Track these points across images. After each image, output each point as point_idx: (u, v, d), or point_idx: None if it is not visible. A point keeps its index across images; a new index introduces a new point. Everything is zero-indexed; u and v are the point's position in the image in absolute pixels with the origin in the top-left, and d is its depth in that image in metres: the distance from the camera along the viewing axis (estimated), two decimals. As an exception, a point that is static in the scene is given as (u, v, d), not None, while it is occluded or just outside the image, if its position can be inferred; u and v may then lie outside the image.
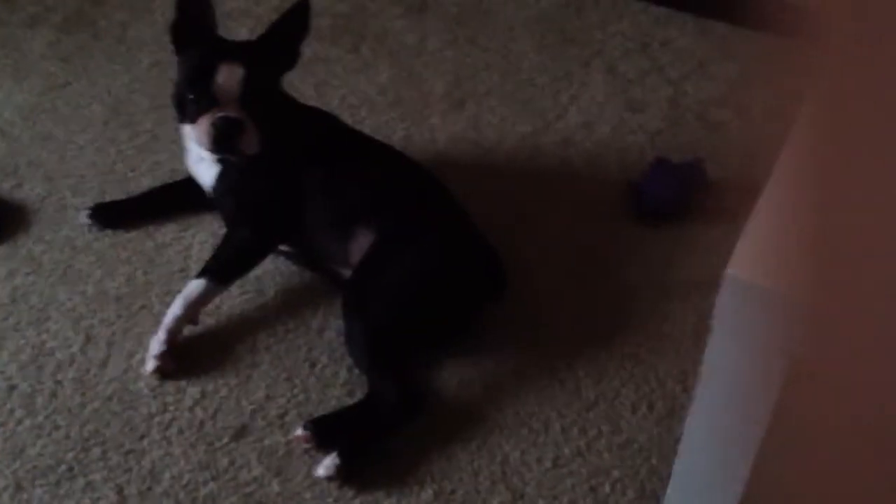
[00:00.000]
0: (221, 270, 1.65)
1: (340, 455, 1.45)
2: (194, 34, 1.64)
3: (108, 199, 1.85)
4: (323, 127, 1.76)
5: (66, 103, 2.04)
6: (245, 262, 1.68)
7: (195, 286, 1.62)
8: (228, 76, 1.59)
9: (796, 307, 0.91)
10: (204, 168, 1.70)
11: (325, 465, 1.45)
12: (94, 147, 1.95)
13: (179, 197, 1.83)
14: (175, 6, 1.64)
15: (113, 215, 1.81)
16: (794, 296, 0.90)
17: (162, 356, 1.57)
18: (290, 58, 1.69)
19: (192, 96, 1.61)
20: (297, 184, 1.67)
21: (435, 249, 1.61)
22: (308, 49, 2.16)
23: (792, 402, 1.01)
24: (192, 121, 1.62)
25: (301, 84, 2.08)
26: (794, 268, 0.87)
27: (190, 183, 1.80)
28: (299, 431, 1.49)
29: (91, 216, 1.79)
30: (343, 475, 1.45)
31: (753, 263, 0.97)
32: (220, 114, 1.59)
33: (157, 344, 1.58)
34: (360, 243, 1.61)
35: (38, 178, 1.88)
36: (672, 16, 2.25)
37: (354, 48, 2.18)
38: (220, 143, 1.60)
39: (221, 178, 1.69)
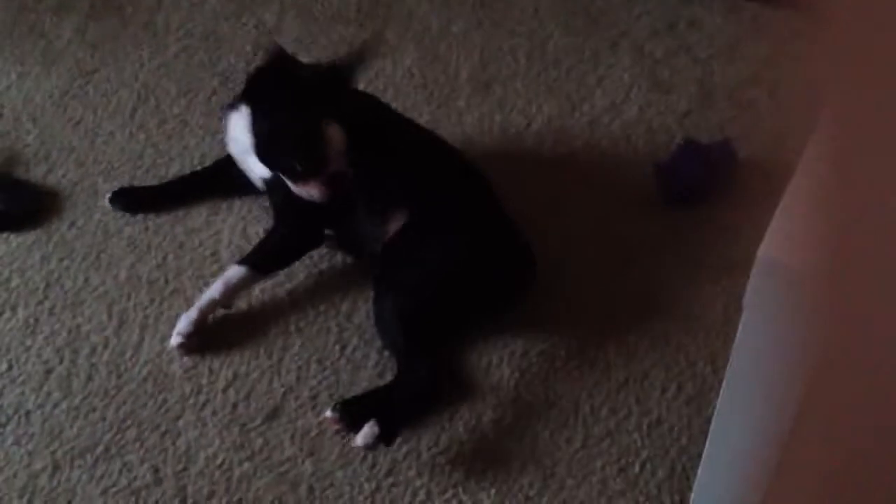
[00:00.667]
0: (265, 261, 1.67)
1: (379, 424, 1.47)
2: (275, 87, 1.59)
3: (138, 185, 1.87)
4: (368, 112, 1.75)
5: (95, 89, 2.05)
6: (290, 254, 1.70)
7: (236, 272, 1.64)
8: (336, 140, 1.58)
9: (827, 289, 0.91)
10: (253, 161, 1.69)
11: (364, 434, 1.47)
12: (124, 133, 1.97)
13: (204, 185, 1.84)
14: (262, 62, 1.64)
15: (133, 200, 1.82)
16: (826, 278, 0.90)
17: (189, 336, 1.60)
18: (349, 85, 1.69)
19: (300, 164, 1.59)
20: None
21: (465, 234, 1.62)
22: (334, 33, 2.17)
23: (822, 385, 1.01)
24: (304, 182, 1.60)
25: (328, 68, 2.09)
26: (825, 250, 0.87)
27: (215, 171, 1.82)
28: (328, 413, 1.50)
29: (111, 200, 1.81)
30: (381, 443, 1.47)
31: (785, 245, 0.97)
32: (333, 171, 1.59)
33: (186, 322, 1.61)
34: (396, 225, 1.63)
35: (69, 164, 1.90)
36: (699, -5, 2.24)
37: (380, 32, 2.18)
38: (335, 194, 1.61)
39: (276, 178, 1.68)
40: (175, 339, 1.60)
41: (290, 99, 1.58)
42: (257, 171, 1.70)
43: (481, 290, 1.62)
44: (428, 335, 1.58)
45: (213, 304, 1.62)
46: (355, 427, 1.49)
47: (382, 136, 1.72)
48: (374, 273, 1.64)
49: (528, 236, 1.68)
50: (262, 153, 1.62)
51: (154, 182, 1.87)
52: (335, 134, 1.59)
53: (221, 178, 1.81)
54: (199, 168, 1.88)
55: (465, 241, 1.62)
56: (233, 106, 1.67)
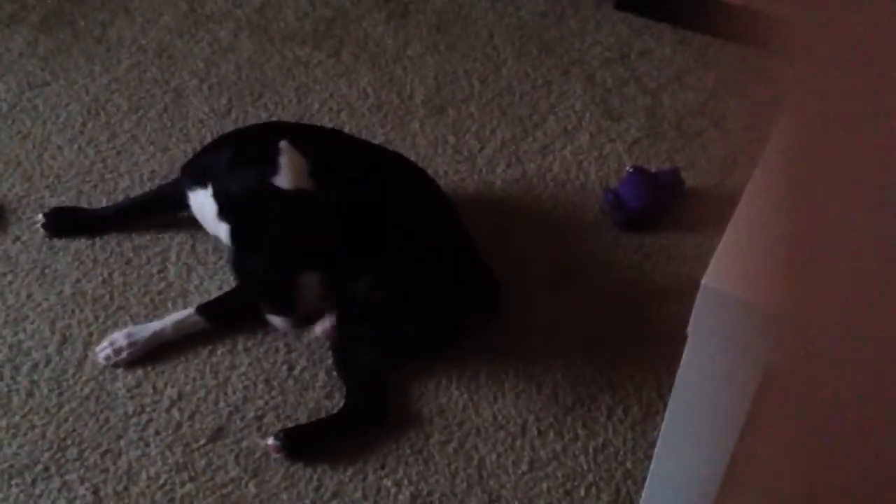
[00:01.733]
0: (224, 317, 1.65)
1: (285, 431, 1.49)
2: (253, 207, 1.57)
3: (85, 200, 1.85)
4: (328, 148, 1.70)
5: (44, 103, 2.03)
6: (247, 310, 1.66)
7: (192, 319, 1.63)
8: (308, 288, 1.57)
9: (772, 318, 0.92)
10: (220, 230, 1.65)
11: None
12: (72, 147, 1.94)
13: (143, 213, 1.80)
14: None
15: (67, 223, 1.78)
16: (770, 306, 0.91)
17: (122, 361, 1.58)
18: None
19: (267, 307, 1.58)
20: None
21: (430, 266, 1.60)
22: (289, 52, 2.17)
23: (765, 410, 1.03)
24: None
25: (282, 88, 2.09)
26: (769, 278, 0.89)
27: (157, 200, 1.78)
28: (270, 441, 1.50)
29: (44, 225, 1.77)
30: (287, 453, 1.49)
31: (730, 274, 0.99)
32: (304, 314, 1.58)
33: (128, 348, 1.59)
34: (365, 271, 1.58)
35: (16, 177, 1.87)
36: (650, 26, 2.28)
37: (336, 52, 2.19)
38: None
39: (236, 244, 1.62)
40: (105, 356, 1.58)
41: (267, 237, 1.55)
42: (223, 237, 1.65)
43: (443, 321, 1.62)
44: (385, 365, 1.58)
45: (158, 339, 1.61)
46: (296, 456, 1.49)
47: (351, 172, 1.67)
48: (336, 311, 1.60)
49: (497, 280, 1.68)
50: (236, 274, 1.61)
51: (102, 198, 1.85)
52: (309, 283, 1.57)
53: (167, 203, 1.77)
54: (144, 191, 1.85)
55: (429, 274, 1.59)
56: (197, 181, 1.65)
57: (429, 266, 1.60)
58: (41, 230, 1.77)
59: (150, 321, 1.64)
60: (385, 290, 1.57)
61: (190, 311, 1.64)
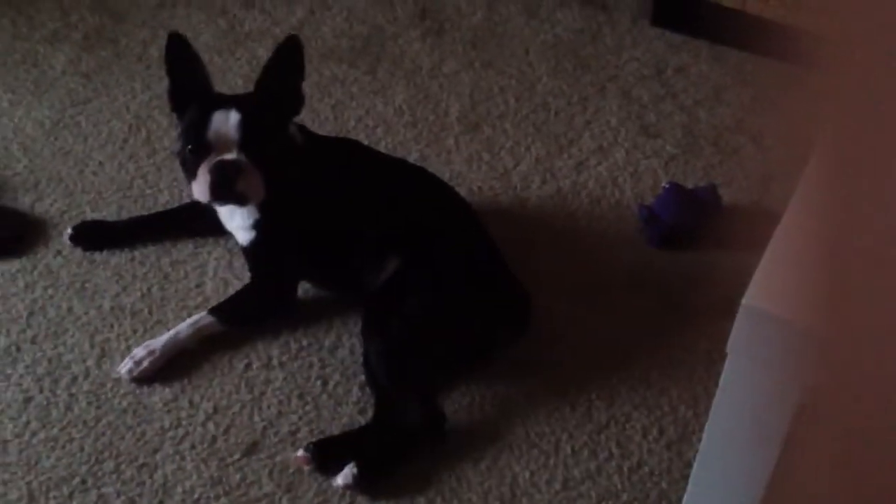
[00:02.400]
0: (235, 315, 1.67)
1: (358, 466, 1.47)
2: (191, 96, 1.59)
3: (125, 215, 1.87)
4: (346, 160, 1.74)
5: (86, 119, 2.06)
6: (261, 314, 1.70)
7: (205, 321, 1.65)
8: (222, 122, 1.54)
9: (813, 337, 0.91)
10: (235, 224, 1.69)
11: (344, 475, 1.47)
12: (113, 163, 1.97)
13: (172, 226, 1.82)
14: (167, 73, 1.61)
15: (96, 237, 1.80)
16: (812, 326, 0.90)
17: (144, 372, 1.59)
18: (292, 102, 1.63)
19: (189, 147, 1.56)
20: (328, 223, 1.66)
21: (458, 280, 1.61)
22: (326, 70, 2.19)
23: (806, 431, 1.01)
24: (193, 175, 1.57)
25: (318, 104, 2.10)
26: (811, 297, 0.87)
27: (186, 210, 1.80)
28: (300, 453, 1.50)
29: (72, 237, 1.79)
30: (360, 485, 1.47)
31: (771, 292, 0.98)
32: (217, 159, 1.55)
33: (147, 357, 1.60)
34: (388, 270, 1.62)
35: (58, 193, 1.90)
36: (687, 42, 2.27)
37: (372, 70, 2.20)
38: (220, 189, 1.54)
39: (257, 242, 1.67)
40: (128, 369, 1.59)
41: (199, 101, 1.58)
42: (239, 236, 1.70)
43: (473, 334, 1.62)
44: (420, 377, 1.58)
45: (176, 344, 1.63)
46: (326, 468, 1.49)
47: (373, 182, 1.71)
48: (363, 314, 1.62)
49: (527, 292, 1.68)
50: (178, 158, 1.64)
51: (142, 213, 1.87)
52: (224, 120, 1.54)
53: (194, 219, 1.79)
54: (174, 206, 1.87)
55: (458, 286, 1.61)
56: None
57: (456, 277, 1.61)
58: (69, 242, 1.79)
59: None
60: (414, 300, 1.57)
61: (203, 312, 1.66)
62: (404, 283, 1.60)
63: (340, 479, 1.47)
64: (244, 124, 1.54)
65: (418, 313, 1.57)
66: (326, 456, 1.50)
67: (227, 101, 1.58)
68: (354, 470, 1.47)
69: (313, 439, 1.53)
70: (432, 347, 1.59)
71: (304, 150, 1.68)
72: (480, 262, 1.66)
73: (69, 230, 1.80)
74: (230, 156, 1.54)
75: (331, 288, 1.74)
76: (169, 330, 1.65)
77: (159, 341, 1.63)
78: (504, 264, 1.69)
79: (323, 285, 1.74)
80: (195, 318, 1.66)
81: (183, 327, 1.64)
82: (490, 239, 1.71)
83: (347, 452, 1.50)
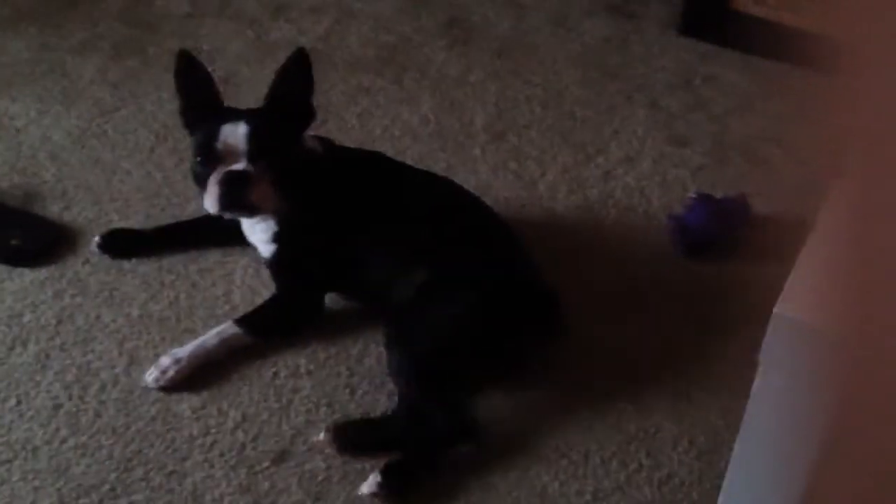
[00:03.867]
0: (261, 327, 1.67)
1: (383, 474, 1.47)
2: (202, 112, 1.63)
3: (153, 223, 1.88)
4: (370, 172, 1.74)
5: (114, 128, 2.07)
6: (286, 325, 1.69)
7: (230, 332, 1.65)
8: (231, 134, 1.57)
9: (844, 347, 0.91)
10: (256, 237, 1.71)
11: (368, 483, 1.47)
12: (141, 172, 1.98)
13: (202, 232, 1.83)
14: (177, 91, 1.65)
15: (124, 245, 1.81)
16: (842, 336, 0.89)
17: (170, 381, 1.60)
18: (303, 114, 1.65)
19: (199, 159, 1.60)
20: (350, 236, 1.66)
21: (487, 291, 1.59)
22: (353, 79, 2.20)
23: (839, 441, 1.00)
24: (204, 187, 1.59)
25: (345, 113, 2.11)
26: (842, 308, 0.87)
27: (213, 220, 1.78)
28: (321, 436, 1.52)
29: (100, 245, 1.80)
30: (385, 493, 1.46)
31: (803, 302, 0.97)
32: (226, 170, 1.57)
33: (172, 366, 1.61)
34: (416, 280, 1.60)
35: (86, 201, 1.91)
36: (715, 51, 2.26)
37: (398, 79, 2.21)
38: (229, 200, 1.57)
39: (279, 254, 1.68)
40: (154, 378, 1.60)
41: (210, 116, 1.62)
42: (261, 248, 1.71)
43: (502, 345, 1.61)
44: (448, 385, 1.57)
45: (201, 354, 1.63)
46: (347, 449, 1.51)
47: (391, 195, 1.71)
48: (389, 326, 1.61)
49: (559, 296, 1.66)
50: (192, 174, 1.66)
51: (169, 221, 1.88)
52: (233, 132, 1.57)
53: (221, 229, 1.78)
54: (201, 215, 1.86)
55: (487, 298, 1.59)
56: None
57: (485, 289, 1.59)
58: (97, 251, 1.80)
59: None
60: (442, 312, 1.57)
61: (229, 322, 1.66)
62: (431, 295, 1.60)
63: (365, 488, 1.47)
64: (253, 135, 1.57)
65: (446, 325, 1.57)
66: (346, 436, 1.51)
67: (236, 114, 1.62)
68: (378, 478, 1.46)
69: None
70: (461, 360, 1.58)
71: (323, 161, 1.68)
72: (507, 270, 1.65)
73: (97, 238, 1.81)
74: (238, 166, 1.57)
75: (359, 300, 1.74)
76: (196, 338, 1.66)
77: (185, 350, 1.63)
78: (534, 268, 1.67)
79: (351, 297, 1.74)
80: (221, 328, 1.66)
81: (209, 337, 1.65)
82: (520, 247, 1.70)
83: (369, 438, 1.53)
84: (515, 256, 1.68)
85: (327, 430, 1.52)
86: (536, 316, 1.64)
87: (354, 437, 1.52)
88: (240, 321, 1.67)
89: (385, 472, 1.47)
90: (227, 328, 1.66)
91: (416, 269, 1.61)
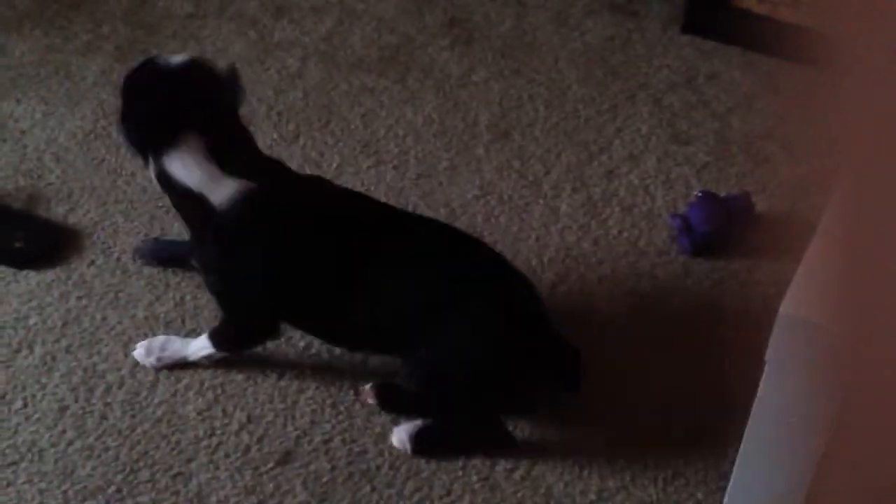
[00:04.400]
0: (222, 343, 1.62)
1: (415, 434, 1.53)
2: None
3: (157, 224, 1.88)
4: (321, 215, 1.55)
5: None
6: (245, 342, 1.63)
7: (204, 347, 1.62)
8: None
9: (850, 345, 0.91)
10: None
11: (399, 438, 1.54)
12: (145, 174, 1.98)
13: None
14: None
15: (161, 254, 1.80)
16: (848, 334, 0.90)
17: (147, 364, 1.63)
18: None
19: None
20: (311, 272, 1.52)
21: (498, 345, 1.50)
22: (355, 80, 2.20)
23: (845, 439, 1.00)
24: None
25: (349, 114, 2.11)
26: (847, 306, 0.87)
27: None
28: (367, 386, 1.57)
29: (138, 250, 1.80)
30: (414, 448, 1.52)
31: (809, 300, 0.97)
32: None
33: (155, 360, 1.63)
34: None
35: (91, 203, 1.92)
36: (718, 49, 2.26)
37: (401, 79, 2.21)
38: None
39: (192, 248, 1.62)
40: (142, 357, 1.64)
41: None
42: None
43: (510, 392, 1.58)
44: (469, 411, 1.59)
45: (183, 361, 1.64)
46: (388, 406, 1.56)
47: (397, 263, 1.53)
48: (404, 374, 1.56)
49: (576, 349, 1.58)
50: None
51: (174, 222, 1.87)
52: None
53: None
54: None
55: (497, 353, 1.51)
56: None
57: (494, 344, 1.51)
58: (130, 254, 1.81)
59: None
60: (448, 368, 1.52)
61: (207, 335, 1.63)
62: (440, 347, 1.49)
63: (395, 440, 1.54)
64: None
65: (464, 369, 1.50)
66: (390, 395, 1.57)
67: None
68: (412, 430, 1.53)
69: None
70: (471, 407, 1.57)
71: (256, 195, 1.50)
72: (521, 327, 1.53)
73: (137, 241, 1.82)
74: None
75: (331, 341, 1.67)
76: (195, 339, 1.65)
77: (172, 356, 1.63)
78: (549, 322, 1.55)
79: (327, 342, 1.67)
80: (202, 342, 1.62)
81: (191, 351, 1.63)
82: (534, 295, 1.56)
83: (410, 404, 1.56)
84: (526, 308, 1.55)
85: (374, 386, 1.56)
86: (553, 368, 1.56)
87: (398, 399, 1.57)
88: (211, 335, 1.62)
89: (417, 435, 1.53)
90: (202, 345, 1.62)
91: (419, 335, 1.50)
